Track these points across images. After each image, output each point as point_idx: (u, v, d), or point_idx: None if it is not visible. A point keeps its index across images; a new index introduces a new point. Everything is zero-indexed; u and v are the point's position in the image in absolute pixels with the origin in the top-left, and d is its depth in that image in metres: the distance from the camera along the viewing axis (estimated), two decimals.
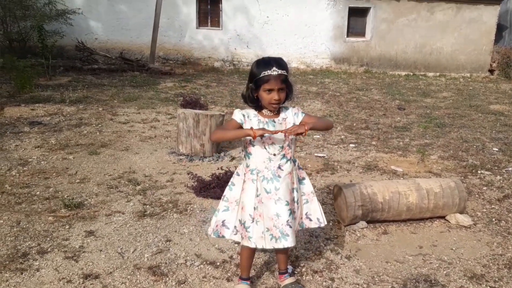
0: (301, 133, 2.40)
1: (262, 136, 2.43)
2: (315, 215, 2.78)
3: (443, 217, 4.00)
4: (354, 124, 7.78)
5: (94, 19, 14.95)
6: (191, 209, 4.07)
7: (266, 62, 2.44)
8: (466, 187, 4.74)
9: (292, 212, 2.57)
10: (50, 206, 4.03)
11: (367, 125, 7.73)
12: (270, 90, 2.42)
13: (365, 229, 3.78)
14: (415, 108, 9.48)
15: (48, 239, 3.43)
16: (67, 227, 3.64)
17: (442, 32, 16.12)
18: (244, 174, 2.60)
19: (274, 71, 2.39)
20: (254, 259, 3.18)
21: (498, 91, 12.61)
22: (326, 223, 2.84)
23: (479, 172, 5.41)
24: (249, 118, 2.52)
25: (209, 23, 15.78)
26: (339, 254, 3.36)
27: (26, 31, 13.33)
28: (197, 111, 5.88)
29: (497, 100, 10.99)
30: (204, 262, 3.16)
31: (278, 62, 2.43)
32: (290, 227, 2.52)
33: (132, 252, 3.28)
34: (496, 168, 5.58)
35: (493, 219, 4.09)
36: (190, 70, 14.13)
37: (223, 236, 2.65)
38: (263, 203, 2.53)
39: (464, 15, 16.03)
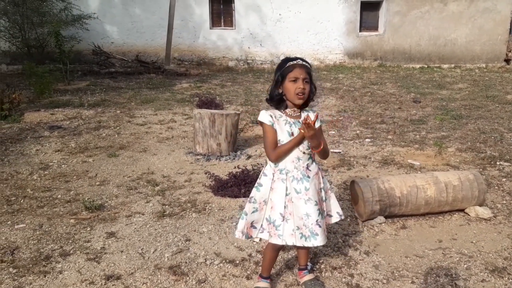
0: (311, 131, 2.40)
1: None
2: (334, 210, 2.83)
3: (462, 210, 3.97)
4: (370, 119, 7.74)
5: (109, 23, 15.12)
6: (210, 208, 4.11)
7: (291, 58, 2.56)
8: (485, 179, 4.69)
9: (321, 211, 2.62)
10: (72, 208, 4.11)
11: (383, 119, 7.69)
12: (295, 80, 2.47)
13: (383, 224, 3.77)
14: (431, 101, 9.38)
15: (70, 241, 3.50)
16: (88, 229, 3.71)
17: (456, 23, 15.91)
18: (273, 174, 2.60)
19: (299, 62, 2.50)
20: None
21: None
22: (344, 216, 2.89)
23: (498, 163, 5.35)
24: (276, 118, 2.55)
25: (222, 23, 15.84)
26: (358, 250, 3.36)
27: (44, 37, 13.54)
28: (212, 110, 5.93)
29: None
30: (224, 261, 3.19)
31: (303, 59, 2.56)
32: (320, 226, 2.55)
33: (153, 252, 3.33)
34: None
35: None
36: (205, 71, 14.21)
37: (251, 237, 2.66)
38: (293, 202, 2.56)
39: (478, 4, 15.79)
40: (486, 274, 3.04)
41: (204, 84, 11.50)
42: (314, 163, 2.65)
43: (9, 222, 3.82)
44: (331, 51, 15.99)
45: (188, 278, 2.99)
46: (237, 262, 3.18)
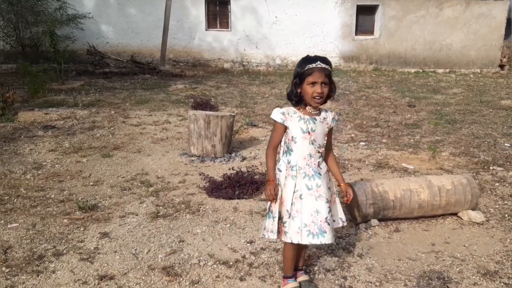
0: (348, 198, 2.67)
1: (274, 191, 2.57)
2: (337, 216, 2.83)
3: (455, 214, 3.99)
4: (364, 122, 7.77)
5: (105, 23, 15.09)
6: (204, 209, 4.11)
7: (311, 58, 2.50)
8: (478, 183, 4.73)
9: (330, 210, 2.64)
10: (65, 208, 4.09)
11: (377, 123, 7.72)
12: (313, 84, 2.46)
13: (376, 227, 3.79)
14: (425, 105, 9.43)
15: (63, 241, 3.49)
16: (82, 229, 3.69)
17: (451, 28, 16.02)
18: (285, 170, 2.62)
19: (319, 65, 2.45)
20: (267, 259, 3.22)
21: (509, 86, 12.50)
22: (346, 223, 2.90)
23: (491, 168, 5.38)
24: (289, 115, 2.57)
25: (218, 25, 15.85)
26: (351, 253, 3.37)
27: (38, 36, 13.50)
28: (207, 112, 5.93)
29: (508, 95, 10.89)
30: (217, 262, 3.19)
31: (323, 59, 2.50)
32: (328, 224, 2.57)
33: (146, 253, 3.32)
34: (508, 163, 5.54)
35: (506, 215, 4.07)
36: (200, 72, 14.20)
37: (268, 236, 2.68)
38: (303, 199, 2.57)
39: (473, 10, 15.91)
40: (478, 277, 3.05)
41: (199, 86, 11.50)
42: (324, 162, 2.69)
43: (2, 221, 3.80)
44: (327, 54, 15.95)
45: (181, 279, 2.98)
46: (231, 263, 3.18)
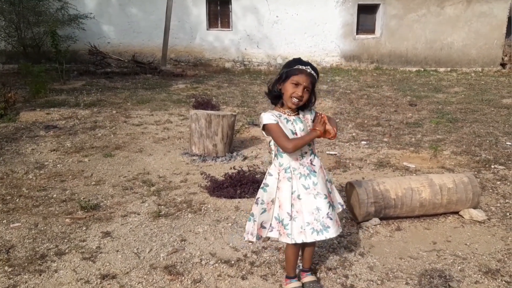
0: (322, 128, 2.53)
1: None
2: (336, 201, 2.86)
3: (456, 213, 3.99)
4: (366, 121, 7.77)
5: (106, 23, 15.10)
6: (205, 208, 4.12)
7: (302, 61, 2.54)
8: (480, 182, 4.72)
9: (331, 204, 2.64)
10: (67, 208, 4.10)
11: (379, 122, 7.71)
12: (297, 84, 2.48)
13: (378, 225, 3.79)
14: (427, 104, 9.42)
15: (65, 240, 3.50)
16: (84, 228, 3.71)
17: (453, 27, 15.97)
18: (278, 173, 2.62)
19: (308, 69, 2.49)
20: (268, 257, 3.23)
21: (511, 85, 12.44)
22: (345, 206, 2.97)
23: (492, 166, 5.38)
24: (278, 117, 2.58)
25: (219, 24, 15.85)
26: (353, 251, 3.37)
27: (40, 36, 13.51)
28: (209, 111, 5.93)
29: (510, 94, 10.85)
30: (219, 261, 3.20)
31: (313, 67, 2.54)
32: (331, 219, 2.59)
33: (148, 252, 3.33)
34: (509, 162, 5.54)
35: (507, 214, 4.07)
36: (202, 72, 14.20)
37: (261, 237, 2.66)
38: (301, 199, 2.57)
39: (474, 9, 15.86)
40: (479, 276, 3.06)
41: (200, 85, 11.51)
42: (316, 158, 2.68)
43: (5, 221, 3.82)
44: (328, 53, 16.02)
45: (183, 278, 2.99)
46: (233, 262, 3.19)
